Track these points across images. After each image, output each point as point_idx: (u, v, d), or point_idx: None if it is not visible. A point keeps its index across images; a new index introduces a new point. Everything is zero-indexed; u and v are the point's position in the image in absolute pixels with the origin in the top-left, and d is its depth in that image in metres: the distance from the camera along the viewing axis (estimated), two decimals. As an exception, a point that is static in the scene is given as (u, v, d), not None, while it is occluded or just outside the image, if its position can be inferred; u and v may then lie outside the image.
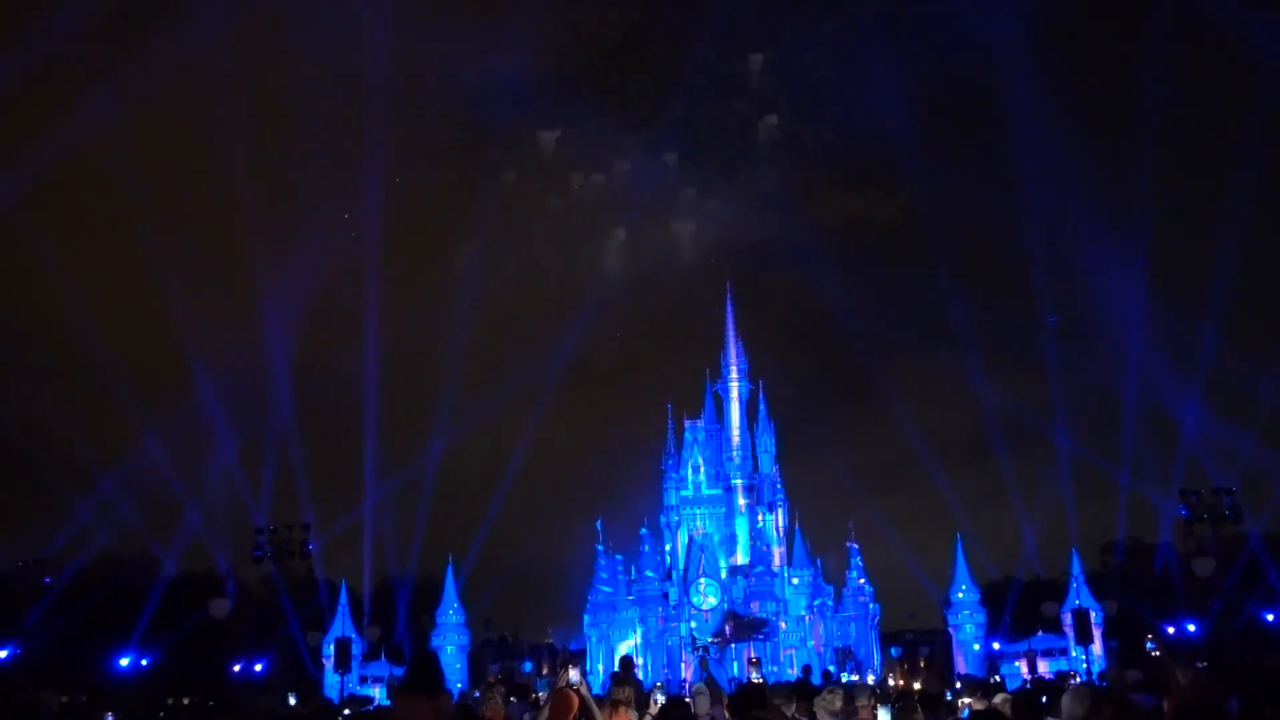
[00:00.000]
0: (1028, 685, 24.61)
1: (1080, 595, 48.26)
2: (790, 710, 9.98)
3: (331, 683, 45.65)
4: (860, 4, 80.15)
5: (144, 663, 49.36)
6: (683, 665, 52.72)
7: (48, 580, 49.22)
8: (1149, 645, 53.13)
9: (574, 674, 10.69)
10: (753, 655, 47.94)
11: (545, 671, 60.16)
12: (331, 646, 45.89)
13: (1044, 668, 46.29)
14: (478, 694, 28.48)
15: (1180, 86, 79.61)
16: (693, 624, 54.91)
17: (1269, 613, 45.49)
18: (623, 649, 53.21)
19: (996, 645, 53.75)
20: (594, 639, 57.56)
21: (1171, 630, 47.45)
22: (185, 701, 50.45)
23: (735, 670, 50.26)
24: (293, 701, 46.52)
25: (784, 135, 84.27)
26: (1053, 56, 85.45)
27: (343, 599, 51.19)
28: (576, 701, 10.13)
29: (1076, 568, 50.11)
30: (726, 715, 11.97)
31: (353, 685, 44.84)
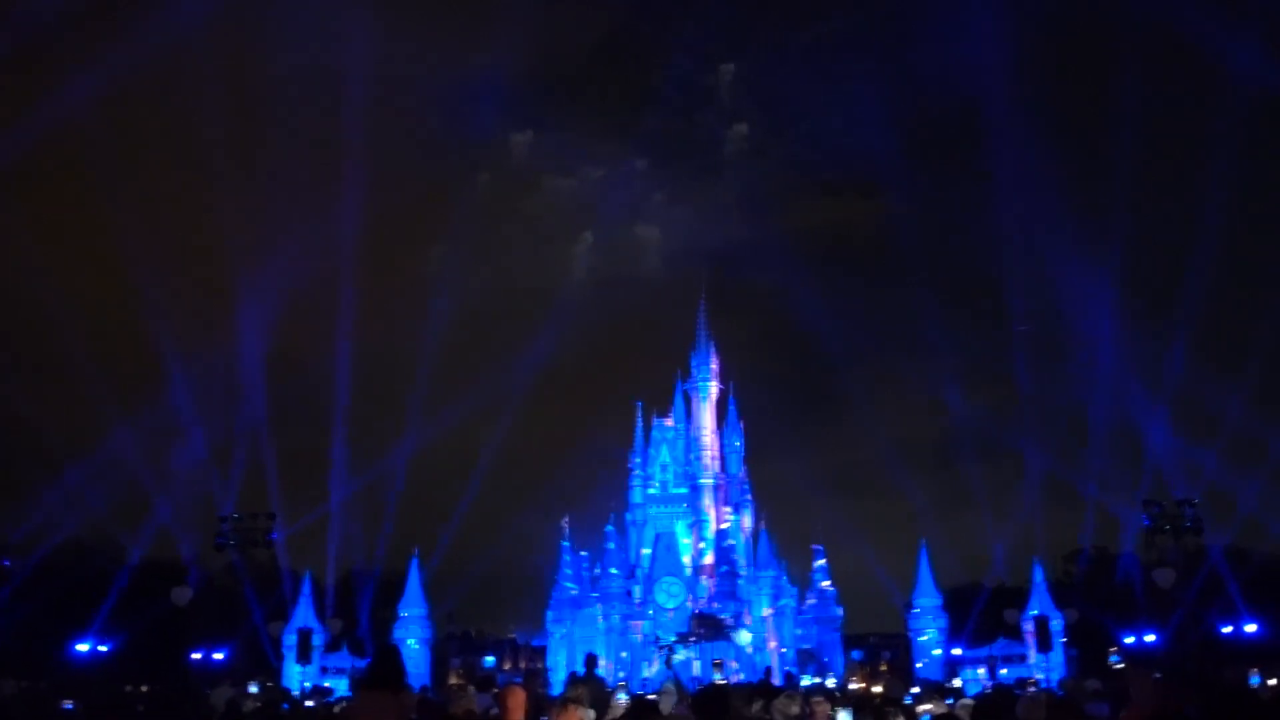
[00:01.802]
0: (989, 690, 24.80)
1: (1041, 603, 48.59)
2: (751, 711, 10.00)
3: (292, 673, 45.44)
4: (830, 20, 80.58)
5: (103, 649, 48.90)
6: (645, 664, 52.81)
7: (7, 563, 48.72)
8: (1114, 658, 53.55)
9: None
10: (716, 657, 48.16)
11: (507, 667, 60.06)
12: (293, 637, 45.67)
13: (1004, 674, 46.60)
14: (432, 692, 28.41)
15: (1153, 100, 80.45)
16: (660, 621, 55.01)
17: (1227, 624, 45.94)
18: (582, 645, 53.24)
19: (958, 651, 54.04)
20: (557, 636, 57.51)
21: (1131, 640, 47.83)
22: (144, 689, 50.05)
23: (698, 670, 50.37)
24: (253, 690, 46.22)
25: (754, 145, 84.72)
26: (1025, 70, 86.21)
27: (305, 590, 50.90)
28: (523, 695, 10.09)
29: (1039, 575, 50.45)
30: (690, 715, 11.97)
31: (314, 676, 44.65)
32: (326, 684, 42.52)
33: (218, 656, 48.67)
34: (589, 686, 12.49)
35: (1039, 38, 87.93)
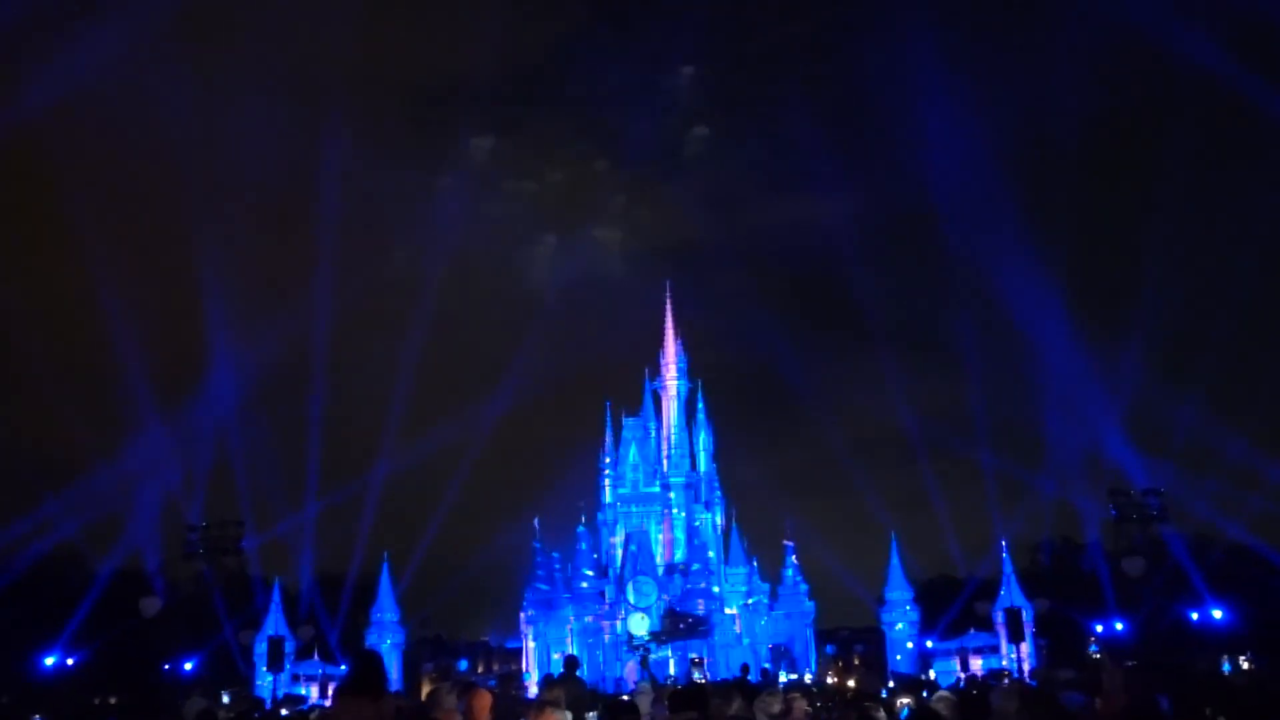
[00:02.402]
0: (961, 683, 24.95)
1: (1012, 594, 48.95)
2: (731, 709, 10.03)
3: (264, 682, 45.10)
4: (786, 26, 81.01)
5: (70, 662, 48.39)
6: (619, 664, 52.81)
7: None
8: (1092, 648, 54.05)
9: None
10: (694, 654, 48.23)
11: (481, 670, 59.93)
12: (264, 645, 45.33)
13: (976, 665, 46.90)
14: (405, 697, 28.24)
15: (1102, 102, 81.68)
16: (633, 619, 54.98)
17: (1194, 611, 46.51)
18: (557, 647, 53.16)
19: (930, 643, 54.34)
20: (530, 637, 57.40)
21: (1100, 629, 48.30)
22: (113, 701, 49.57)
23: (673, 669, 50.41)
24: (225, 700, 45.91)
25: (713, 146, 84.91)
26: (972, 77, 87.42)
27: (275, 597, 50.54)
28: (489, 699, 10.06)
29: (1008, 567, 50.76)
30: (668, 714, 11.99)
31: (285, 684, 44.35)
32: (298, 692, 42.29)
33: (188, 666, 48.31)
34: (568, 688, 12.47)
35: (985, 41, 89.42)
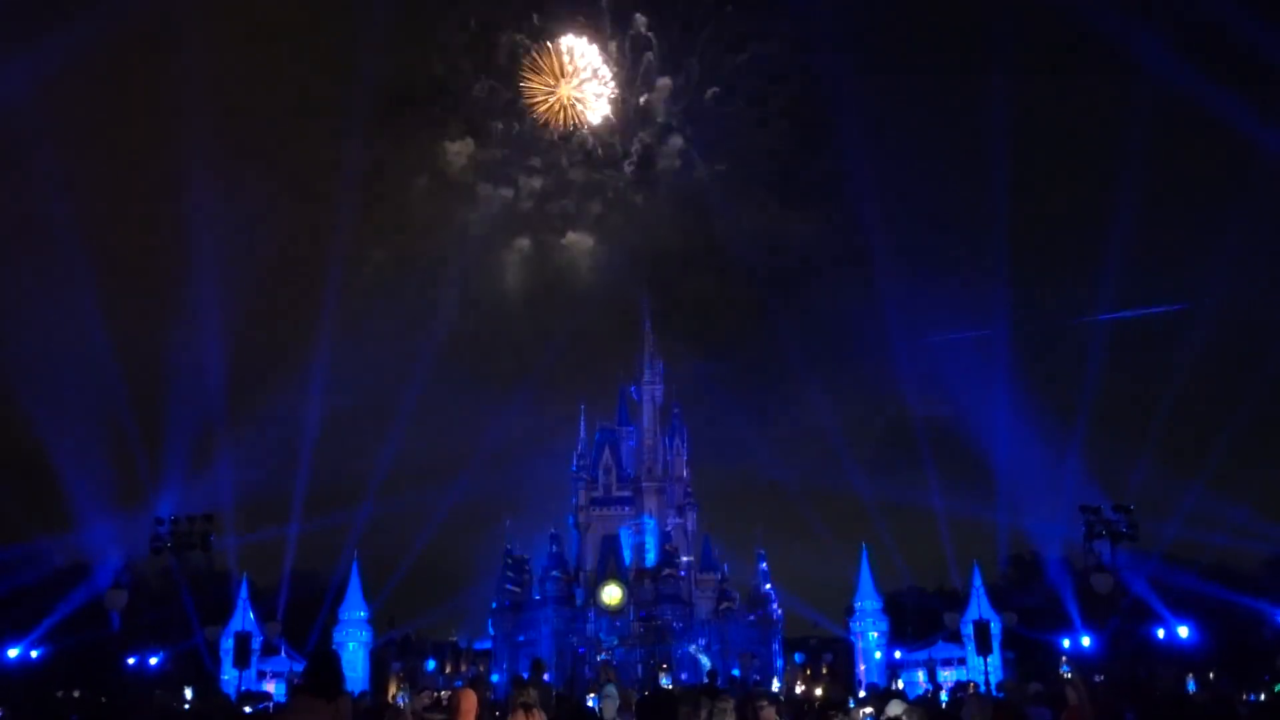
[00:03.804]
0: (928, 693, 25.01)
1: (981, 607, 49.07)
2: (702, 715, 9.98)
3: (230, 678, 44.74)
4: (765, 40, 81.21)
5: (34, 654, 47.89)
6: (587, 667, 52.68)
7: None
8: (1064, 669, 54.35)
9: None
10: (659, 660, 48.14)
11: (448, 670, 59.60)
12: (230, 641, 44.96)
13: (944, 677, 47.02)
14: (371, 698, 28.09)
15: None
16: (602, 622, 54.92)
17: (1159, 628, 46.75)
18: (527, 650, 52.98)
19: (898, 654, 54.47)
20: (499, 638, 57.21)
21: (1067, 644, 48.49)
22: (75, 695, 49.12)
23: (640, 673, 50.35)
24: (189, 695, 45.52)
25: (687, 157, 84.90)
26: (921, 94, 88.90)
27: (243, 593, 50.17)
28: (475, 698, 10.01)
29: (977, 579, 50.94)
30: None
31: (251, 681, 44.00)
32: (263, 689, 41.97)
33: (153, 661, 47.87)
34: (536, 691, 12.39)
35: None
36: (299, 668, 47.46)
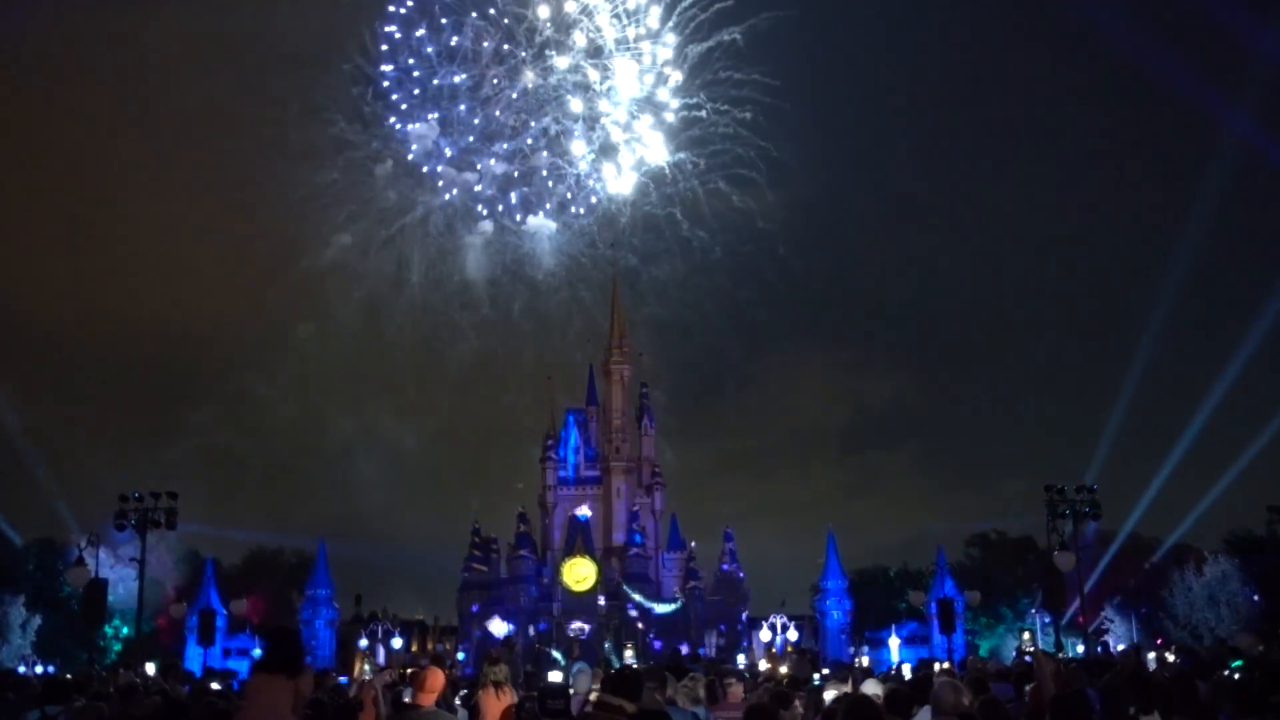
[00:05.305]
0: (890, 670, 25.22)
1: (945, 585, 49.46)
2: (667, 693, 9.96)
3: (194, 655, 44.53)
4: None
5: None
6: (554, 644, 52.76)
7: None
8: (1027, 645, 54.92)
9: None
10: (626, 639, 48.22)
11: (414, 648, 59.55)
12: (195, 619, 44.72)
13: (906, 654, 47.35)
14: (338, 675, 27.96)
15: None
16: (569, 604, 54.96)
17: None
18: (495, 627, 53.01)
19: (864, 632, 54.89)
20: (467, 617, 57.20)
21: (1031, 621, 49.03)
22: (39, 670, 48.74)
23: (607, 650, 50.46)
24: (151, 672, 45.08)
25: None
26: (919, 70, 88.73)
27: (209, 571, 49.97)
28: (442, 677, 9.95)
29: (942, 559, 51.35)
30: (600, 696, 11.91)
31: (216, 659, 43.79)
32: (229, 666, 41.76)
33: (116, 640, 47.61)
34: (505, 668, 12.36)
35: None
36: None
